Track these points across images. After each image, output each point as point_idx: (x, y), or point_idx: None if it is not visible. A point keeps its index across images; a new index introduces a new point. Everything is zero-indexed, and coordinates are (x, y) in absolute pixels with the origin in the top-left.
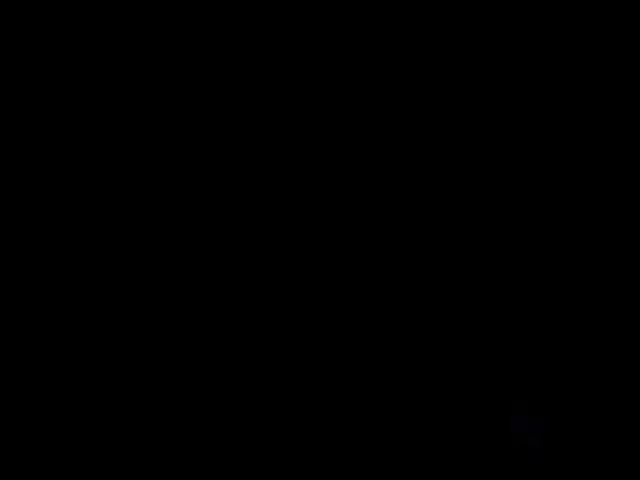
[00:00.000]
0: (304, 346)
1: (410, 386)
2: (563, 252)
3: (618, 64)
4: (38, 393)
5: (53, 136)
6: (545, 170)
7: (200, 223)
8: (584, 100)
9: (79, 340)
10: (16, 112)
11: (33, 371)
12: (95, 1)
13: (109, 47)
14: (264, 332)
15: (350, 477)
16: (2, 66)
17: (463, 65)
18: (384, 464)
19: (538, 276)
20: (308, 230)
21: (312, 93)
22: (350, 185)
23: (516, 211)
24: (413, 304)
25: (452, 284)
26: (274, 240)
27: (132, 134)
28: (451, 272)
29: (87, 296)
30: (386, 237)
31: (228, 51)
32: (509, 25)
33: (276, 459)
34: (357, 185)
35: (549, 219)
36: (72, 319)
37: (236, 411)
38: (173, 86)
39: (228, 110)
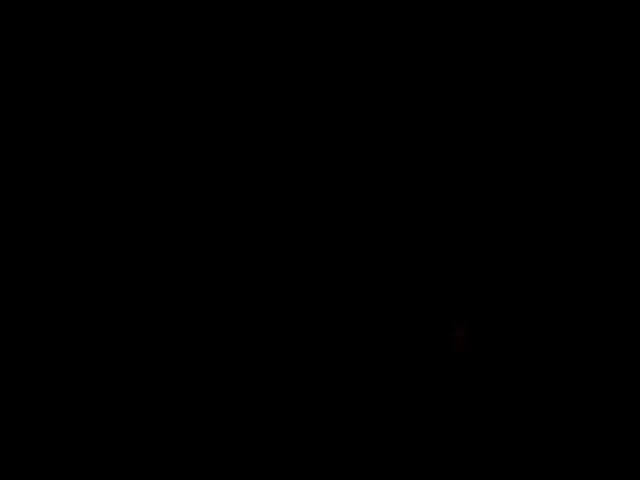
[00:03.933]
0: (303, 345)
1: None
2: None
3: (618, 65)
4: (37, 393)
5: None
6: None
7: (199, 222)
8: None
9: (78, 340)
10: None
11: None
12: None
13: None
14: (264, 332)
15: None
16: None
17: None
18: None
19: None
20: (307, 229)
21: (311, 93)
22: (349, 185)
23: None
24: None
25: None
26: (273, 239)
27: (130, 133)
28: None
29: (86, 296)
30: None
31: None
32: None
33: (276, 459)
34: (356, 185)
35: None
36: (71, 319)
37: (236, 411)
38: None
39: (227, 109)
